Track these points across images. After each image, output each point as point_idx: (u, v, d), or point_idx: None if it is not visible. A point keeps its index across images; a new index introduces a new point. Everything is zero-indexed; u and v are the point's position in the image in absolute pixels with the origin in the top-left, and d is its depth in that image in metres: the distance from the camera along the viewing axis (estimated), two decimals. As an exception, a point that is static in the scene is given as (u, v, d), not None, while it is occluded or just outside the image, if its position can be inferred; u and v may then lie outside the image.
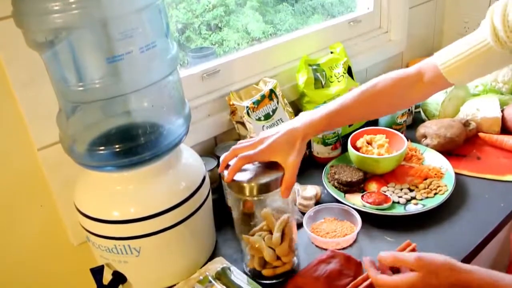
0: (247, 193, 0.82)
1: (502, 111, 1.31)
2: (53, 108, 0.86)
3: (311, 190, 1.10)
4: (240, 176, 0.84)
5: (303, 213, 1.05)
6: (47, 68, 0.78)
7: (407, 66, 1.70)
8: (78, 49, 0.73)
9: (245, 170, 0.85)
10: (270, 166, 0.86)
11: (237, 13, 2.10)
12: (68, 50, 0.73)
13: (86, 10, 0.69)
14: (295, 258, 0.93)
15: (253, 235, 0.88)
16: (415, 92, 0.96)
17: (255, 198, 0.84)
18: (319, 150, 1.24)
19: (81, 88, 0.76)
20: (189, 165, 0.94)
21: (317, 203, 1.09)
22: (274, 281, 0.91)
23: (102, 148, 0.82)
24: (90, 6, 0.69)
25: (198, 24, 2.04)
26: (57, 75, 0.77)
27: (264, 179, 0.82)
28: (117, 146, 0.82)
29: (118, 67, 0.75)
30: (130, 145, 0.82)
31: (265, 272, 0.90)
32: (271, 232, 0.87)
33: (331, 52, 1.38)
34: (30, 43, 0.75)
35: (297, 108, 1.36)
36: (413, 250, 0.92)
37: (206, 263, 0.95)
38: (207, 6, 2.03)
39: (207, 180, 0.96)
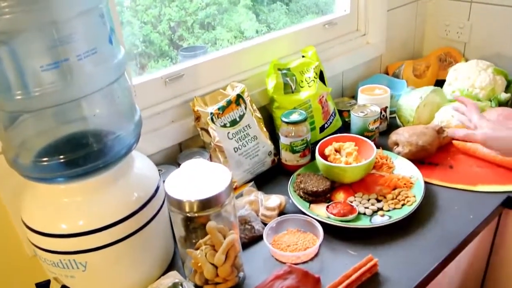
0: (187, 209, 0.79)
1: (477, 118, 1.27)
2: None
3: (274, 200, 1.06)
4: (180, 193, 0.80)
5: (265, 224, 1.01)
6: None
7: (386, 70, 1.69)
8: (12, 56, 0.68)
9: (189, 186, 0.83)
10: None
11: (230, 12, 2.07)
12: (1, 57, 0.68)
13: (19, 15, 0.65)
14: (241, 273, 0.89)
15: (197, 248, 0.85)
16: None
17: (196, 215, 0.80)
18: (288, 158, 1.21)
19: (19, 97, 0.71)
20: (142, 174, 0.90)
21: (282, 213, 1.06)
22: (218, 297, 0.88)
23: (47, 159, 0.78)
24: (23, 10, 0.65)
25: (191, 22, 2.01)
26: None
27: (206, 195, 0.79)
28: (62, 156, 0.78)
29: (56, 74, 0.71)
30: (76, 155, 0.79)
31: (207, 288, 0.87)
32: (214, 247, 0.84)
33: (303, 56, 1.34)
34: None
35: (267, 113, 1.32)
36: (374, 265, 0.89)
37: (160, 276, 0.92)
38: (200, 4, 2.00)
39: (162, 189, 0.92)
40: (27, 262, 1.01)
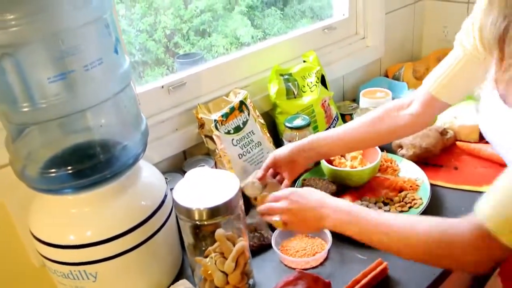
0: (196, 217, 0.79)
1: (480, 118, 1.27)
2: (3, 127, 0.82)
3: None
4: (189, 201, 0.80)
5: (273, 230, 1.01)
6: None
7: (386, 72, 1.69)
8: (18, 68, 0.68)
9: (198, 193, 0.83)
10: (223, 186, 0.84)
11: (225, 18, 2.08)
12: (7, 69, 0.68)
13: (26, 27, 0.65)
14: (251, 280, 0.89)
15: (207, 256, 0.85)
16: (410, 119, 1.00)
17: (205, 223, 0.80)
18: (292, 163, 1.21)
19: (26, 109, 0.72)
20: (149, 183, 0.90)
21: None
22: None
23: (54, 170, 0.78)
24: (30, 22, 0.65)
25: (186, 29, 2.01)
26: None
27: (215, 203, 0.79)
28: (70, 167, 0.78)
29: (63, 86, 0.71)
30: (84, 166, 0.79)
31: (217, 296, 0.86)
32: (223, 255, 0.84)
33: (304, 61, 1.34)
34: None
35: (271, 119, 1.32)
36: (385, 269, 0.89)
37: (170, 285, 0.91)
38: (195, 11, 2.01)
39: (169, 198, 0.92)
40: (34, 272, 1.00)
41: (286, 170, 1.04)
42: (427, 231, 0.73)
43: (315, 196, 0.86)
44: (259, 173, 1.04)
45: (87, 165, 0.79)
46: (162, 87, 1.14)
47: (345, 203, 0.84)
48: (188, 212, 0.80)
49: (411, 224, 0.75)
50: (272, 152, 1.06)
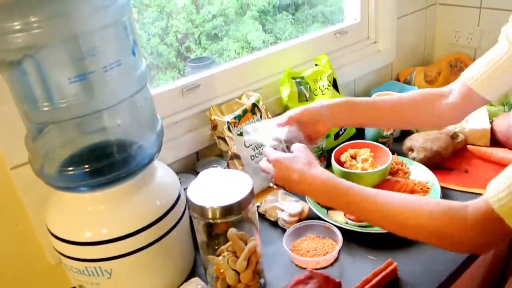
0: (210, 215, 0.80)
1: (491, 122, 1.28)
2: (23, 127, 0.84)
3: (297, 206, 1.07)
4: (202, 200, 0.82)
5: (285, 230, 1.02)
6: (9, 89, 0.76)
7: (397, 77, 1.70)
8: (40, 69, 0.71)
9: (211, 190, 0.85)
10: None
11: (236, 23, 2.10)
12: (30, 70, 0.71)
13: (48, 29, 0.68)
14: (262, 279, 0.91)
15: (219, 255, 0.86)
16: (447, 108, 0.97)
17: (218, 221, 0.82)
18: (303, 165, 1.22)
19: (46, 109, 0.74)
20: (164, 182, 0.92)
21: (305, 219, 1.06)
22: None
23: (72, 169, 0.80)
24: (52, 24, 0.68)
25: (198, 34, 2.03)
26: (20, 95, 0.75)
27: (228, 201, 0.80)
28: (87, 166, 0.80)
29: (83, 86, 0.73)
30: (100, 165, 0.81)
31: (229, 294, 0.88)
32: (235, 254, 0.85)
33: (316, 65, 1.36)
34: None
35: (282, 121, 1.34)
36: (394, 269, 0.90)
37: (183, 283, 0.93)
38: (207, 16, 2.03)
39: (183, 197, 0.94)
40: (50, 270, 1.02)
41: (309, 129, 0.99)
42: (430, 208, 0.74)
43: (296, 170, 0.85)
44: (278, 120, 0.99)
45: (104, 164, 0.81)
46: (176, 88, 1.16)
47: (322, 182, 0.84)
48: (201, 211, 0.82)
49: (414, 204, 0.76)
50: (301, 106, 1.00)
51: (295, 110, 0.98)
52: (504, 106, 1.36)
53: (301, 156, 0.88)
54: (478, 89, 0.92)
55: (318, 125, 0.99)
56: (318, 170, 0.86)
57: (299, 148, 0.90)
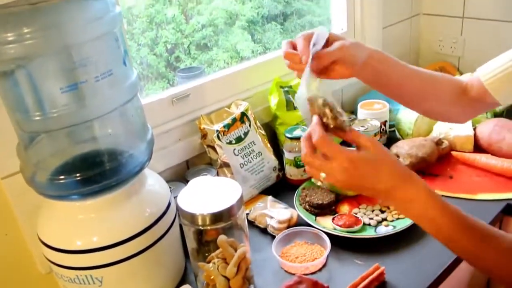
0: (200, 222, 0.82)
1: (474, 129, 1.31)
2: (14, 136, 0.85)
3: (286, 213, 1.09)
4: (192, 207, 0.83)
5: (274, 237, 1.03)
6: (2, 98, 0.77)
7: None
8: (33, 79, 0.72)
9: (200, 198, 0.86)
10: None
11: (226, 33, 2.11)
12: (23, 80, 0.72)
13: (41, 40, 0.69)
14: (251, 285, 0.92)
15: (209, 261, 0.87)
16: (458, 103, 0.90)
17: (208, 228, 0.83)
18: (292, 172, 1.24)
19: (38, 118, 0.75)
20: (154, 191, 0.93)
21: (294, 226, 1.08)
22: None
23: (63, 177, 0.81)
24: (44, 36, 0.69)
25: (187, 44, 2.05)
26: (13, 105, 0.76)
27: (218, 208, 0.82)
28: (78, 175, 0.81)
29: (74, 96, 0.74)
30: (91, 174, 0.82)
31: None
32: (225, 261, 0.87)
33: (304, 74, 1.38)
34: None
35: (271, 130, 1.36)
36: (382, 273, 0.91)
37: (174, 290, 0.94)
38: (196, 26, 2.04)
39: (173, 205, 0.95)
40: (40, 279, 1.02)
41: (340, 62, 0.80)
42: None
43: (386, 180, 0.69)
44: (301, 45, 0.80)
45: (95, 172, 0.82)
46: (167, 98, 1.17)
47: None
48: (192, 218, 0.83)
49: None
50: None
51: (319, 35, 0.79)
52: (486, 113, 1.40)
53: (388, 156, 0.71)
54: (492, 90, 0.84)
55: (350, 59, 0.81)
56: (422, 183, 0.71)
57: (375, 142, 0.71)
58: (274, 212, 1.09)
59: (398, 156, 1.25)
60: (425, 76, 0.89)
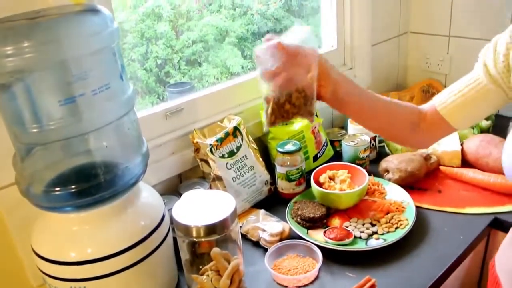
0: (194, 234, 0.83)
1: (461, 144, 1.34)
2: (9, 148, 0.85)
3: (278, 226, 1.10)
4: (187, 219, 0.84)
5: (266, 250, 1.04)
6: (0, 110, 0.78)
7: (372, 101, 1.76)
8: (31, 92, 0.73)
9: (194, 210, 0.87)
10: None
11: (216, 49, 2.14)
12: (21, 93, 0.73)
13: (40, 54, 0.70)
14: None
15: (203, 274, 0.88)
16: (417, 130, 0.93)
17: (202, 240, 0.84)
18: (284, 186, 1.25)
19: (35, 130, 0.76)
20: (148, 203, 0.94)
21: (286, 239, 1.09)
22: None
23: (58, 189, 0.82)
24: (43, 50, 0.70)
25: (177, 59, 2.07)
26: (10, 117, 0.77)
27: (212, 220, 0.83)
28: (73, 187, 0.81)
29: (72, 108, 0.75)
30: (86, 186, 0.82)
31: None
32: (219, 273, 0.87)
33: (295, 89, 1.41)
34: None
35: (263, 144, 1.37)
36: (373, 286, 0.93)
37: (167, 303, 0.94)
38: (187, 42, 2.06)
39: (167, 218, 0.96)
40: (32, 292, 1.02)
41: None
42: None
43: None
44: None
45: (90, 184, 0.82)
46: (160, 112, 1.19)
47: None
48: (186, 230, 0.84)
49: None
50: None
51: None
52: (473, 129, 1.43)
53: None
54: (447, 116, 0.89)
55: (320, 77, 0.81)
56: None
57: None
58: (267, 226, 1.10)
59: (388, 171, 1.28)
60: (385, 104, 0.92)
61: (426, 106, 0.93)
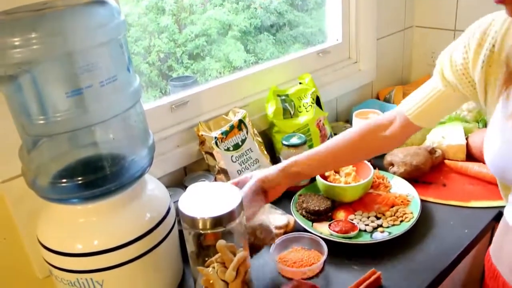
0: (200, 226, 0.83)
1: (466, 138, 1.34)
2: (15, 140, 0.85)
3: (283, 219, 1.10)
4: (193, 211, 0.84)
5: (271, 243, 1.05)
6: (7, 102, 0.78)
7: (377, 95, 1.76)
8: (38, 83, 0.73)
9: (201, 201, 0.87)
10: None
11: (219, 43, 2.13)
12: (28, 84, 0.73)
13: (47, 45, 0.70)
14: None
15: (208, 266, 0.88)
16: (388, 140, 1.02)
17: (208, 232, 0.84)
18: (289, 179, 1.25)
19: (42, 122, 0.76)
20: (154, 196, 0.94)
21: (291, 232, 1.09)
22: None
23: (65, 181, 0.82)
24: (50, 41, 0.70)
25: (180, 53, 2.06)
26: (17, 108, 0.77)
27: (218, 213, 0.83)
28: (79, 178, 0.82)
29: (79, 100, 0.76)
30: (93, 177, 0.83)
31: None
32: (224, 265, 0.88)
33: (300, 83, 1.41)
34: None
35: (268, 137, 1.37)
36: (378, 278, 0.93)
37: (172, 295, 0.95)
38: (189, 35, 2.06)
39: (173, 210, 0.96)
40: (37, 284, 1.03)
41: (271, 194, 0.99)
42: None
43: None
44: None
45: (97, 176, 0.83)
46: (166, 105, 1.19)
47: None
48: (192, 222, 0.84)
49: None
50: (255, 176, 0.98)
51: (252, 184, 0.96)
52: (478, 123, 1.43)
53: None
54: (415, 120, 0.97)
55: (278, 189, 0.99)
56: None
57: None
58: (272, 218, 1.10)
59: (392, 164, 1.28)
60: (344, 145, 1.01)
61: (393, 113, 1.02)
